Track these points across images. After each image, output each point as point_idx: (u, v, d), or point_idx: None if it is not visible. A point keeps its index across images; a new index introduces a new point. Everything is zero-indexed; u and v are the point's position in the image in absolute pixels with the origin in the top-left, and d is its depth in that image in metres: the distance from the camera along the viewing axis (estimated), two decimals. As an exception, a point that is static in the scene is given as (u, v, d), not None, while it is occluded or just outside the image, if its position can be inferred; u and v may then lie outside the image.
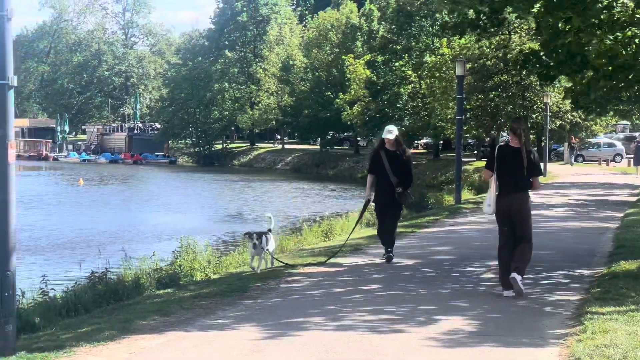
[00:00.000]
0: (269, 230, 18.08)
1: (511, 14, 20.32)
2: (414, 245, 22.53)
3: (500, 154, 14.01)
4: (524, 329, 11.91)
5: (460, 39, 50.95)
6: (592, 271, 17.48)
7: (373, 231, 27.81)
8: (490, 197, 14.26)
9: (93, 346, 11.05)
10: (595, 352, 10.06)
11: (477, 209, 36.00)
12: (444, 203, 38.17)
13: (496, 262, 15.11)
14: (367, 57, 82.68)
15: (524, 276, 14.46)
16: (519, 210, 13.92)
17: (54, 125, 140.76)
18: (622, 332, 11.06)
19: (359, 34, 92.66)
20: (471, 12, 19.16)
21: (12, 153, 11.42)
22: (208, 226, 39.98)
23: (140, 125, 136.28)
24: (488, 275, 16.96)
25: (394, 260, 18.35)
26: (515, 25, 29.61)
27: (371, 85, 79.13)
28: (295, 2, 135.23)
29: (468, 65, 48.70)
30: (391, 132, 18.16)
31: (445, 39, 65.58)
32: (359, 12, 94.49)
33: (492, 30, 20.33)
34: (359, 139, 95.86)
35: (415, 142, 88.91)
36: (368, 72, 79.78)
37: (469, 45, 58.43)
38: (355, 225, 22.04)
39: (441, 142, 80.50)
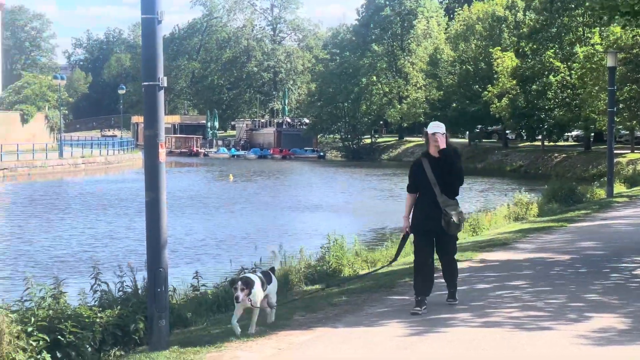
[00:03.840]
0: (272, 269, 13.07)
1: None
2: (564, 240, 22.27)
3: None
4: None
5: (609, 25, 50.07)
6: None
7: (521, 225, 27.62)
8: None
9: (243, 341, 11.26)
10: None
11: (630, 202, 35.43)
12: (596, 197, 37.35)
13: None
14: (513, 50, 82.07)
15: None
16: None
17: (204, 122, 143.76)
18: None
19: (504, 25, 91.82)
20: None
21: (162, 152, 11.72)
22: (356, 221, 40.03)
23: (288, 120, 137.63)
24: (641, 271, 16.63)
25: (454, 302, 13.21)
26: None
27: (519, 74, 78.20)
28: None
29: (620, 56, 47.78)
30: (439, 127, 13.37)
31: (597, 28, 64.54)
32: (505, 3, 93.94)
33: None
34: (507, 131, 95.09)
35: (566, 134, 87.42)
36: (517, 60, 78.89)
37: (620, 34, 57.16)
38: (394, 260, 14.74)
39: (592, 134, 79.00)
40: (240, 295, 11.65)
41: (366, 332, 11.58)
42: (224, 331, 12.25)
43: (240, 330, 11.57)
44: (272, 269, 12.94)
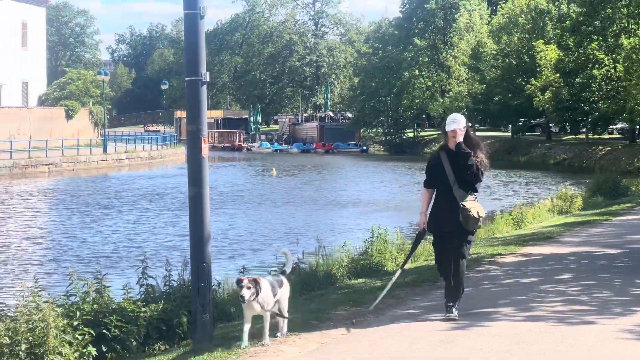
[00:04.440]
0: (283, 272, 12.08)
1: None
2: (609, 234, 22.27)
3: None
4: None
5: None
6: None
7: (565, 219, 27.53)
8: None
9: (286, 336, 11.29)
10: None
11: (676, 196, 35.29)
12: (641, 190, 37.11)
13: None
14: (556, 42, 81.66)
15: None
16: None
17: (247, 116, 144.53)
18: None
19: (547, 18, 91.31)
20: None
21: (205, 147, 11.81)
22: (399, 215, 40.07)
23: (331, 114, 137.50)
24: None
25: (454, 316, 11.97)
26: None
27: (562, 67, 77.78)
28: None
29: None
30: (456, 121, 12.23)
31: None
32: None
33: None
34: (551, 125, 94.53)
35: (610, 127, 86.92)
36: (559, 52, 78.41)
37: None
38: (405, 262, 14.43)
39: (638, 126, 78.44)
40: (247, 293, 10.83)
41: (409, 326, 11.55)
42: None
43: (247, 342, 10.84)
44: (284, 272, 12.05)
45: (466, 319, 11.75)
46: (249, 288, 10.80)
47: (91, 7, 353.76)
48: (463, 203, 11.94)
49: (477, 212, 11.96)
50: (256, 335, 11.04)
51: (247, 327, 10.90)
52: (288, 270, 12.16)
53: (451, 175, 12.07)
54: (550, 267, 16.70)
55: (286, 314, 11.43)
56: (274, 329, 11.27)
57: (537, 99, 79.44)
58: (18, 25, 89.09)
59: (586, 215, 27.98)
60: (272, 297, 11.11)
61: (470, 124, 13.62)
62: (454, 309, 11.90)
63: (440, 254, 12.40)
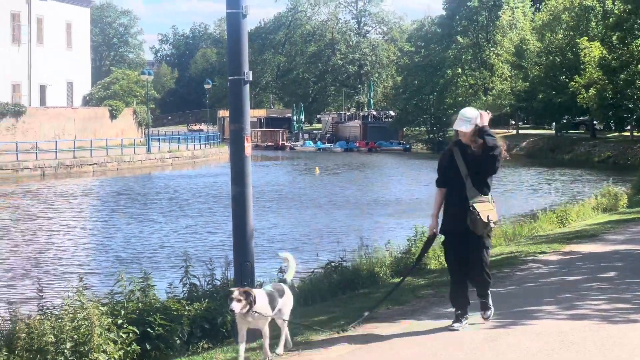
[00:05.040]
0: (282, 281, 11.24)
1: None
2: None
3: None
4: None
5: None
6: None
7: (610, 217, 27.52)
8: None
9: (329, 334, 11.31)
10: None
11: None
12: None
13: None
14: (600, 39, 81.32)
15: None
16: None
17: (290, 115, 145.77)
18: None
19: (591, 15, 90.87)
20: None
21: (248, 146, 11.95)
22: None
23: (374, 113, 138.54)
24: None
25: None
26: None
27: (606, 65, 77.48)
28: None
29: None
30: (467, 119, 11.24)
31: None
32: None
33: None
34: (595, 122, 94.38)
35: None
36: (603, 49, 78.00)
37: None
38: (415, 266, 14.75)
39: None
40: (237, 307, 9.79)
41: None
42: (310, 323, 12.13)
43: (243, 357, 10.03)
44: (284, 281, 11.18)
45: (510, 317, 11.78)
46: (239, 301, 9.84)
47: (134, 7, 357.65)
48: (473, 204, 11.27)
49: (488, 216, 11.26)
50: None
51: (241, 347, 10.15)
52: (289, 278, 11.30)
53: (465, 172, 11.40)
54: (595, 265, 16.80)
55: (286, 331, 10.57)
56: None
57: (581, 97, 79.16)
58: (62, 25, 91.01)
59: (631, 213, 28.11)
60: (269, 308, 10.21)
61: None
62: (462, 319, 11.41)
63: (448, 255, 11.93)
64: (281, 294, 10.48)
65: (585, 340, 10.51)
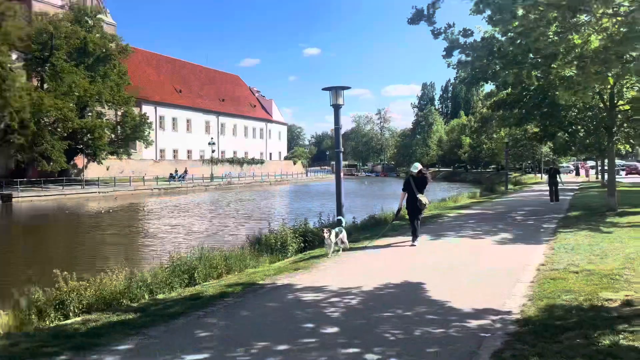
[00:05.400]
0: (340, 226, 22.65)
1: None
2: (490, 207, 38.95)
3: None
4: (533, 238, 25.03)
5: None
6: (561, 215, 35.29)
7: (472, 200, 39.87)
8: None
9: (362, 243, 24.87)
10: (561, 245, 22.36)
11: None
12: None
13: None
14: None
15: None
16: None
17: (355, 163, 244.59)
18: (572, 238, 23.90)
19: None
20: None
21: (341, 174, 23.86)
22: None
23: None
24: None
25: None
26: None
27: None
28: None
29: None
30: (415, 167, 24.70)
31: None
32: None
33: None
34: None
35: None
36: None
37: None
38: (396, 217, 31.69)
39: None
40: (326, 234, 21.07)
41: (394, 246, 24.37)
42: (355, 240, 25.96)
43: (330, 254, 21.03)
44: (341, 223, 22.97)
45: (434, 237, 25.66)
46: (325, 233, 21.32)
47: (303, 125, 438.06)
48: (418, 196, 23.22)
49: (423, 201, 23.48)
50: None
51: (328, 250, 21.14)
52: (343, 224, 23.13)
53: (415, 186, 23.28)
54: (467, 218, 34.96)
55: (346, 245, 22.39)
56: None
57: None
58: (277, 132, 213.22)
59: (481, 199, 56.71)
60: (334, 237, 21.35)
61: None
62: (415, 241, 23.53)
63: (410, 215, 23.92)
64: (341, 231, 22.01)
65: (462, 243, 23.62)
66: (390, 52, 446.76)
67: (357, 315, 13.06)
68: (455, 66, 25.71)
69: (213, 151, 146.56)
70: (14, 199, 75.57)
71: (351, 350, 10.73)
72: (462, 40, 22.28)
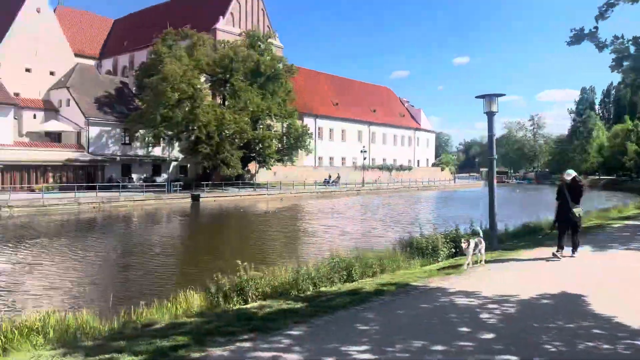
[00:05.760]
0: (479, 237, 22.03)
1: None
2: None
3: None
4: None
5: None
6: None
7: None
8: None
9: (517, 254, 23.32)
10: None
11: None
12: None
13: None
14: None
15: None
16: None
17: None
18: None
19: None
20: None
21: (494, 180, 24.01)
22: None
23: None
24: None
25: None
26: None
27: None
28: None
29: None
30: (569, 174, 22.53)
31: None
32: None
33: None
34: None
35: None
36: None
37: None
38: (552, 227, 25.86)
39: None
40: (464, 245, 20.59)
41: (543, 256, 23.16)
42: (523, 245, 26.21)
43: (466, 266, 20.26)
44: (477, 233, 22.83)
45: (596, 248, 24.34)
46: (464, 243, 20.81)
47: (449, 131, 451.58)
48: (573, 209, 21.86)
49: (579, 213, 22.09)
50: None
51: (468, 259, 20.44)
52: (481, 235, 22.54)
53: (569, 196, 21.88)
54: (635, 229, 32.34)
55: (483, 257, 21.30)
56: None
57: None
58: (425, 139, 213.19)
59: None
60: (472, 248, 20.64)
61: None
62: (575, 253, 22.45)
63: (561, 227, 22.63)
64: (480, 242, 21.19)
65: (630, 256, 22.62)
66: (542, 56, 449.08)
67: (514, 323, 12.97)
68: (620, 71, 24.65)
69: (364, 158, 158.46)
70: (201, 199, 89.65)
71: (509, 357, 10.72)
72: (632, 49, 21.39)
